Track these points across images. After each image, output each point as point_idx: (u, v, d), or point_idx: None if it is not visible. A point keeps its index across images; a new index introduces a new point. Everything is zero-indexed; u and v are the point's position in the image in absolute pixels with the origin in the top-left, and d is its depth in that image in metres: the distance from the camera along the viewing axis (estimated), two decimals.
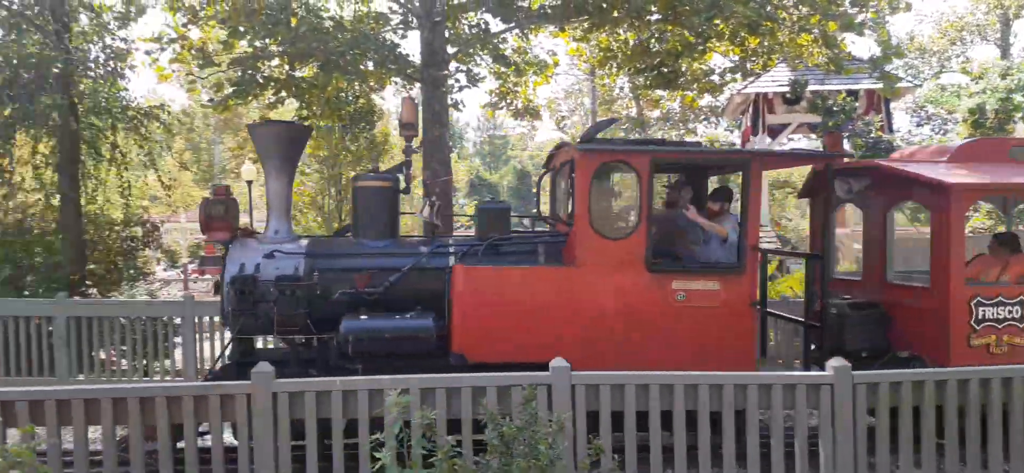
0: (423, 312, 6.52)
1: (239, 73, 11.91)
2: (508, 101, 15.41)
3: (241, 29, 11.42)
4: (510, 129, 60.95)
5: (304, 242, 7.35)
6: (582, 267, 6.57)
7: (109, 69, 12.85)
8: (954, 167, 7.29)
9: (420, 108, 11.63)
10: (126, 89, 13.14)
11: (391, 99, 43.33)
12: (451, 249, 7.07)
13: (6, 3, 11.78)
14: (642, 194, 6.55)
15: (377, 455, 3.68)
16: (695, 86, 14.07)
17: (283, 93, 12.66)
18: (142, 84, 21.07)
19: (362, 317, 6.48)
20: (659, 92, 16.35)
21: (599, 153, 6.69)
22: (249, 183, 22.90)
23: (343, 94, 13.68)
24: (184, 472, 4.59)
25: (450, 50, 12.44)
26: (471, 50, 12.86)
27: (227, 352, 6.98)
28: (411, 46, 36.93)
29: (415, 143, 8.16)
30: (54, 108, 11.63)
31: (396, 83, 13.99)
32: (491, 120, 51.39)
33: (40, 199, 13.28)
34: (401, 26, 12.65)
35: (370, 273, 6.81)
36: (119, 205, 14.13)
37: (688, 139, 20.84)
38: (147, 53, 14.92)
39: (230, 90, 12.41)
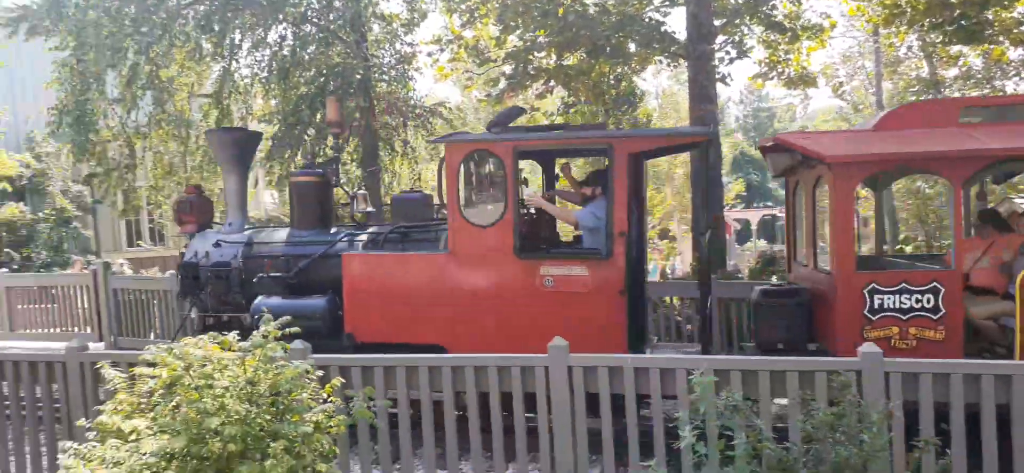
0: (331, 295, 7.24)
1: (512, 67, 12.53)
2: (779, 70, 14.62)
3: (512, 24, 12.02)
4: (777, 100, 57.71)
5: (247, 233, 8.29)
6: (455, 254, 6.87)
7: (398, 72, 14.14)
8: (869, 136, 6.55)
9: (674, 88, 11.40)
10: (414, 89, 14.40)
11: (651, 80, 43.14)
12: (360, 238, 7.59)
13: (316, 20, 13.42)
14: (508, 182, 6.69)
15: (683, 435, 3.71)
16: (1004, 38, 12.31)
17: (552, 82, 13.12)
18: (423, 84, 23.28)
19: (272, 298, 7.28)
20: (958, 48, 14.52)
21: (464, 144, 7.01)
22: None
23: (606, 78, 13.86)
24: (490, 439, 4.94)
25: (717, 23, 12.06)
26: (739, 20, 12.36)
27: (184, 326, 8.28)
28: (675, 23, 36.24)
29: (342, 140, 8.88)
30: (358, 110, 13.07)
31: (660, 62, 13.88)
32: (758, 92, 49.07)
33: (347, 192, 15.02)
34: (666, 3, 12.51)
35: (285, 258, 7.67)
36: None
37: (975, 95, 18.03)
38: (428, 54, 16.29)
39: (503, 84, 13.10)
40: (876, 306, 6.05)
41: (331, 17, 13.49)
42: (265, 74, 14.14)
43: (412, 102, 15.10)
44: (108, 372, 3.66)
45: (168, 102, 15.18)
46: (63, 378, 5.61)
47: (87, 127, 14.32)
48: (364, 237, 7.65)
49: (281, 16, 13.13)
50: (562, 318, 6.49)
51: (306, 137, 13.56)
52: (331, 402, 3.87)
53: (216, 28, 12.48)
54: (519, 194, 6.94)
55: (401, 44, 15.17)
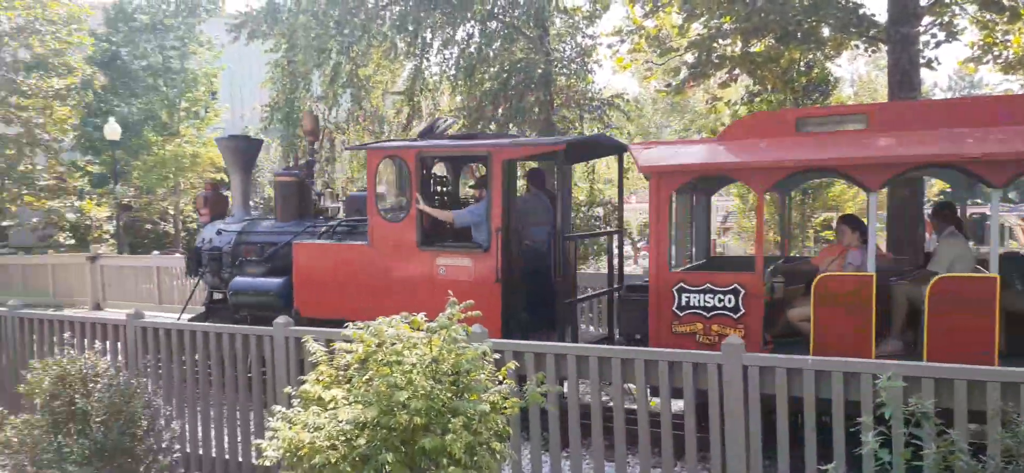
0: (287, 277, 8.58)
1: (694, 56, 12.27)
2: (995, 54, 13.23)
3: (698, 11, 11.76)
4: (994, 86, 52.18)
5: (243, 223, 9.71)
6: (373, 245, 8.07)
7: (578, 65, 14.28)
8: (707, 145, 7.44)
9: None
10: (594, 81, 14.48)
11: (846, 66, 40.41)
12: (321, 230, 8.84)
13: (502, 17, 13.87)
14: (412, 184, 7.79)
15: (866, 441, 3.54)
16: None
17: (736, 70, 12.71)
18: (601, 77, 23.42)
19: (246, 277, 9.08)
20: None
21: (379, 150, 8.33)
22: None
23: (796, 65, 13.21)
24: (659, 433, 4.94)
25: (922, 3, 11.13)
26: (949, 0, 11.33)
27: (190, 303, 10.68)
28: (875, 4, 33.63)
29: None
30: (537, 104, 13.39)
31: (856, 47, 13.02)
32: (970, 77, 44.54)
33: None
34: None
35: (260, 246, 9.21)
36: (585, 190, 15.68)
37: None
38: (608, 46, 16.30)
39: (685, 73, 12.86)
40: (684, 304, 6.70)
41: (516, 13, 13.87)
42: (453, 72, 14.81)
43: (589, 95, 15.23)
44: (311, 346, 4.06)
45: (365, 99, 16.34)
46: (271, 350, 6.27)
47: (294, 123, 15.76)
48: (323, 229, 8.91)
49: (469, 14, 13.68)
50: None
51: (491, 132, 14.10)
52: (505, 384, 4.06)
53: (410, 27, 13.25)
54: (424, 193, 8.04)
55: (582, 37, 15.31)
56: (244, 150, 10.63)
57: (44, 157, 24.96)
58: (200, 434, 6.60)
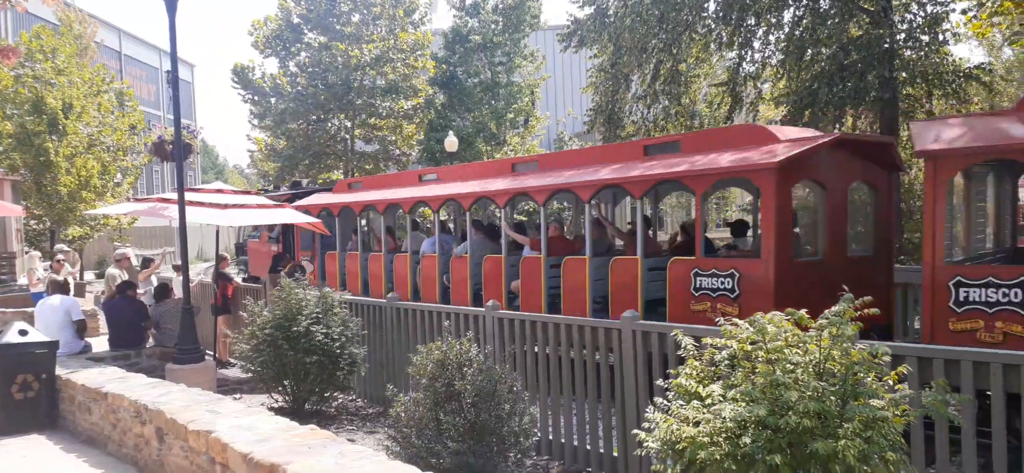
0: None
1: None
2: None
3: None
4: None
5: None
6: None
7: (931, 37, 12.67)
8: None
9: None
10: (950, 53, 12.75)
11: None
12: None
13: None
14: None
15: None
16: None
17: None
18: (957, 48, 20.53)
19: None
20: None
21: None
22: None
23: None
24: None
25: None
26: None
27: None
28: None
29: None
30: (878, 81, 12.12)
31: None
32: None
33: None
34: None
35: None
36: None
37: None
38: (963, 12, 14.25)
39: None
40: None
41: None
42: (779, 57, 14.00)
43: (941, 69, 13.42)
44: (682, 340, 3.97)
45: (684, 95, 16.15)
46: (618, 342, 6.33)
47: (616, 123, 16.05)
48: None
49: None
50: None
51: (822, 115, 13.03)
52: (898, 390, 3.60)
53: (734, 17, 12.77)
54: None
55: (932, 4, 13.55)
56: None
57: (395, 169, 28.41)
58: (549, 420, 6.91)
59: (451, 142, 24.15)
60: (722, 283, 7.72)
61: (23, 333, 7.60)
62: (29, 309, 11.25)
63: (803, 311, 3.66)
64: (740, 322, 3.81)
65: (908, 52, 13.21)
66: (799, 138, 7.85)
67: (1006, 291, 5.96)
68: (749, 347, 3.63)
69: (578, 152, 12.22)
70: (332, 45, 26.23)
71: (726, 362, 3.80)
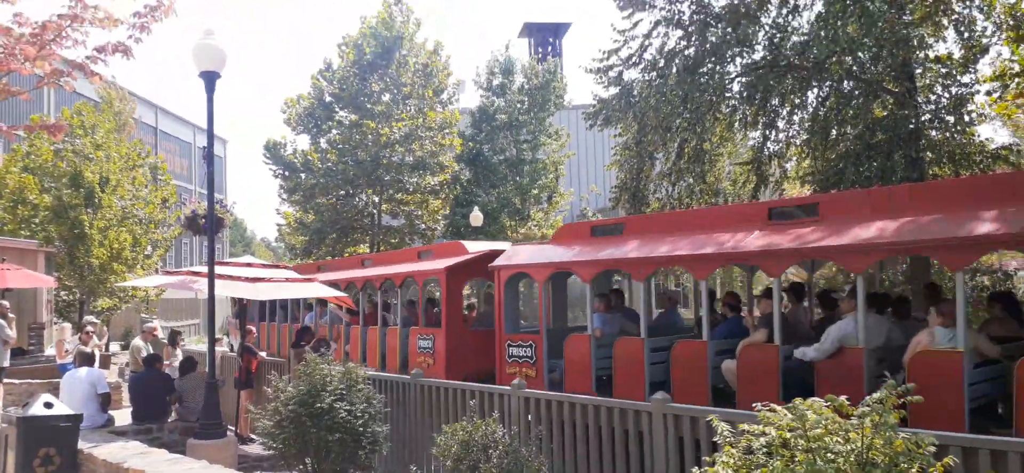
0: None
1: None
2: None
3: None
4: None
5: None
6: None
7: (956, 118, 12.63)
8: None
9: None
10: (977, 133, 12.66)
11: None
12: None
13: (860, 74, 12.82)
14: None
15: None
16: None
17: None
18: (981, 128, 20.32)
19: None
20: None
21: None
22: None
23: None
24: None
25: None
26: None
27: None
28: None
29: None
30: (904, 161, 12.04)
31: None
32: None
33: None
34: None
35: None
36: None
37: None
38: (988, 93, 14.23)
39: None
40: None
41: (879, 68, 12.71)
42: (804, 136, 13.99)
43: (969, 149, 13.31)
44: (720, 425, 3.83)
45: (708, 173, 16.13)
46: (649, 425, 6.16)
47: (640, 201, 16.04)
48: None
49: (822, 76, 12.89)
50: None
51: None
52: None
53: (758, 97, 12.82)
54: None
55: (957, 86, 13.53)
56: None
57: (421, 243, 28.55)
58: None
59: (476, 217, 24.28)
60: None
61: (48, 406, 7.57)
62: (56, 380, 11.27)
63: (843, 397, 3.52)
64: (778, 408, 3.67)
65: (934, 132, 13.13)
66: None
67: None
68: (788, 435, 3.49)
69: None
70: (363, 123, 26.73)
71: (763, 450, 3.65)
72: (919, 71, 13.92)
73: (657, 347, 8.55)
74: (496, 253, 11.35)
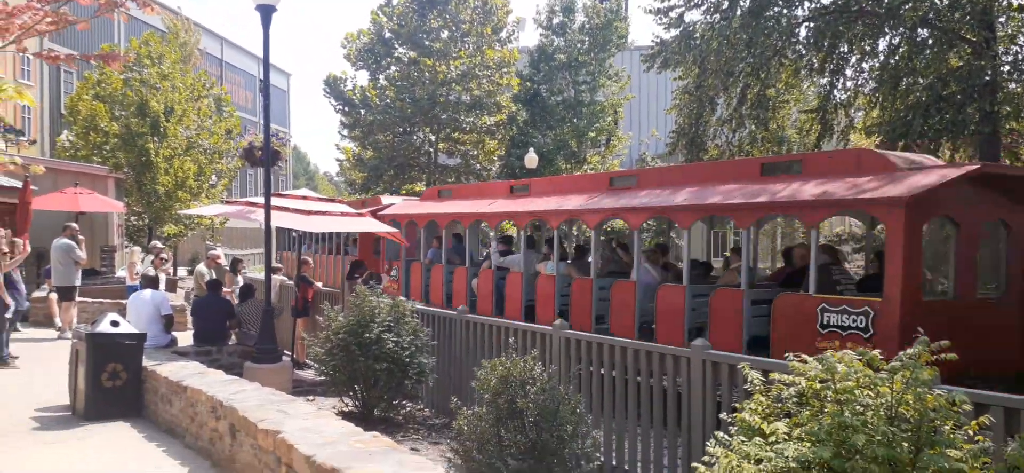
0: None
1: None
2: None
3: None
4: None
5: None
6: None
7: None
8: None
9: None
10: None
11: None
12: None
13: (936, 22, 12.26)
14: None
15: None
16: None
17: None
18: None
19: None
20: None
21: None
22: None
23: None
24: None
25: None
26: None
27: None
28: None
29: None
30: (978, 115, 11.56)
31: None
32: None
33: None
34: None
35: None
36: None
37: None
38: None
39: None
40: None
41: (954, 16, 12.13)
42: (872, 85, 13.52)
43: None
44: (750, 373, 3.86)
45: (771, 120, 15.75)
46: (687, 370, 6.21)
47: (698, 147, 15.79)
48: None
49: (896, 23, 12.37)
50: None
51: (917, 147, 12.50)
52: (977, 441, 3.40)
53: (826, 43, 12.40)
54: None
55: None
56: None
57: (475, 182, 28.72)
58: (614, 445, 6.83)
59: (531, 159, 24.28)
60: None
61: (114, 324, 8.02)
62: (123, 301, 11.87)
63: (876, 351, 3.50)
64: (809, 359, 3.68)
65: (1012, 85, 12.53)
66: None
67: None
68: (818, 385, 3.51)
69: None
70: (420, 60, 26.81)
71: (793, 400, 3.68)
72: (1001, 20, 13.24)
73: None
74: None
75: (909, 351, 3.36)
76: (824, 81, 14.88)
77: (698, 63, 13.70)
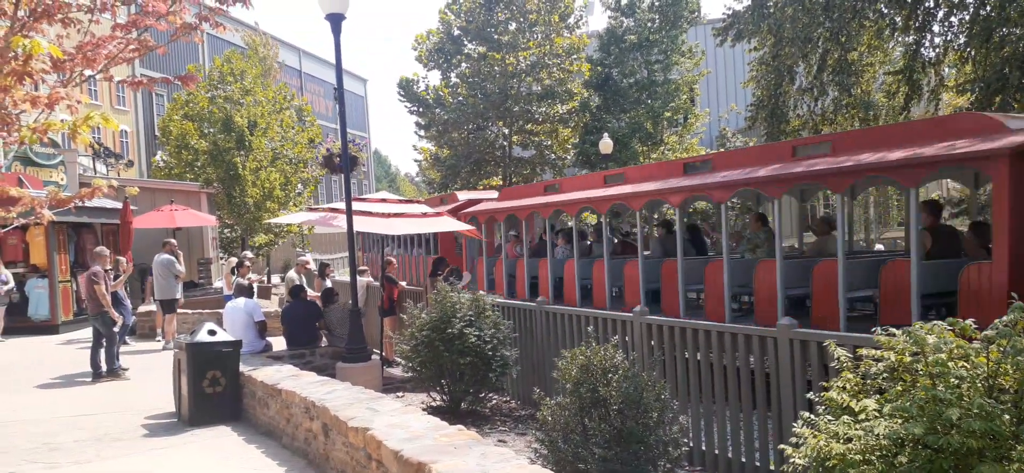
0: None
1: None
2: None
3: None
4: None
5: None
6: None
7: None
8: None
9: None
10: None
11: None
12: None
13: None
14: None
15: None
16: None
17: None
18: None
19: None
20: None
21: None
22: None
23: None
24: None
25: None
26: None
27: None
28: None
29: None
30: None
31: None
32: None
33: None
34: None
35: None
36: None
37: None
38: None
39: None
40: None
41: None
42: (962, 40, 12.81)
43: None
44: (837, 350, 3.75)
45: (854, 85, 15.13)
46: (774, 351, 6.06)
47: (779, 118, 15.33)
48: None
49: None
50: None
51: (1014, 102, 11.79)
52: None
53: (909, 0, 11.85)
54: None
55: None
56: None
57: (551, 174, 28.71)
58: (702, 430, 6.73)
59: (606, 144, 24.09)
60: None
61: (212, 333, 8.41)
62: (221, 310, 12.43)
63: (970, 321, 3.34)
64: (897, 332, 3.54)
65: None
66: None
67: None
68: (908, 359, 3.37)
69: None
70: (489, 55, 26.96)
71: (883, 375, 3.55)
72: None
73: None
74: None
75: (1004, 318, 3.19)
76: (910, 39, 14.19)
77: (773, 32, 13.28)
